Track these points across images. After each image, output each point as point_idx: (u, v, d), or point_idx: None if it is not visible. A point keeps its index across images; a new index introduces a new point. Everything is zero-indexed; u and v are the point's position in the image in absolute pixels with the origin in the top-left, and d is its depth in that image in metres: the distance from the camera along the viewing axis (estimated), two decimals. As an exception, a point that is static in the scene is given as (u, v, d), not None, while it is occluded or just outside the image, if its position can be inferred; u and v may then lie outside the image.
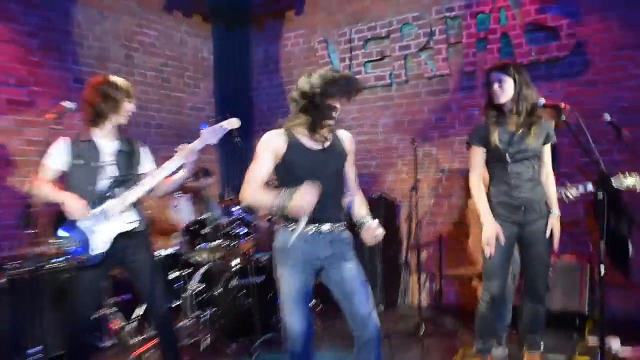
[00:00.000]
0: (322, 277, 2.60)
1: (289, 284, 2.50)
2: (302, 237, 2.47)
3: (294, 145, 2.50)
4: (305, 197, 2.32)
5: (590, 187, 3.58)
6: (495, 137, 3.00)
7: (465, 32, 5.18)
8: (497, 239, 2.99)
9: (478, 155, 3.11)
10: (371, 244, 2.55)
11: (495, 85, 2.99)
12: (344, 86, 2.45)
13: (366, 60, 5.79)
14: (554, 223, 3.13)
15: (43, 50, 4.88)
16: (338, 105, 2.51)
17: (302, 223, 2.45)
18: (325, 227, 2.50)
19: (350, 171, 2.70)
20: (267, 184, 2.55)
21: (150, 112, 5.95)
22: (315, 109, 2.47)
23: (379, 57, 5.72)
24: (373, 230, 2.52)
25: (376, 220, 2.55)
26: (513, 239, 3.08)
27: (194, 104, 6.50)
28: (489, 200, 3.07)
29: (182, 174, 3.25)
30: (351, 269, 2.55)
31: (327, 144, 2.55)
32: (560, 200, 4.52)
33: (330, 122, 2.52)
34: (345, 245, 2.58)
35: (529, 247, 3.11)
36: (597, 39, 4.61)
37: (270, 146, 2.51)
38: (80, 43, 5.22)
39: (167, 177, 3.20)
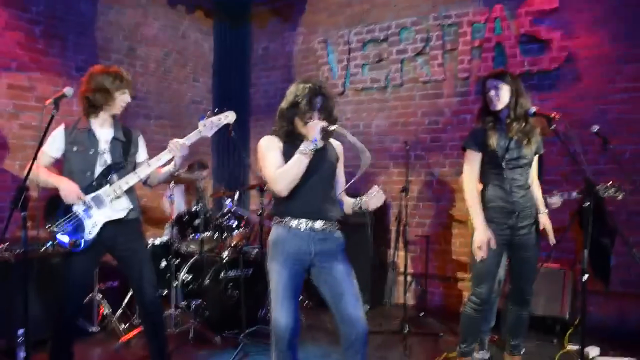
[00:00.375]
0: (313, 276, 2.65)
1: (279, 277, 2.55)
2: (295, 232, 2.56)
3: (288, 150, 2.57)
4: (313, 128, 2.48)
5: (574, 195, 3.65)
6: (494, 142, 3.05)
7: (461, 40, 5.28)
8: (489, 244, 3.03)
9: (475, 160, 3.14)
10: (376, 207, 2.60)
11: (492, 92, 3.06)
12: (310, 100, 2.56)
13: (364, 62, 5.87)
14: (545, 220, 3.22)
15: (46, 38, 4.96)
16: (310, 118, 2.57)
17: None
18: (318, 224, 2.57)
19: (341, 176, 2.82)
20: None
21: (150, 103, 6.03)
22: (284, 120, 2.65)
23: (376, 60, 5.80)
24: (376, 194, 2.58)
25: (375, 186, 2.61)
26: (504, 244, 3.13)
27: (193, 97, 6.59)
28: (483, 205, 3.11)
29: (170, 167, 3.29)
30: (341, 270, 2.60)
31: (320, 146, 2.56)
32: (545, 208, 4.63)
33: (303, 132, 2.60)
34: (337, 245, 2.65)
35: (520, 251, 3.16)
36: (588, 53, 4.69)
37: (272, 145, 2.63)
38: (84, 32, 5.30)
39: (159, 167, 3.27)
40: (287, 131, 2.62)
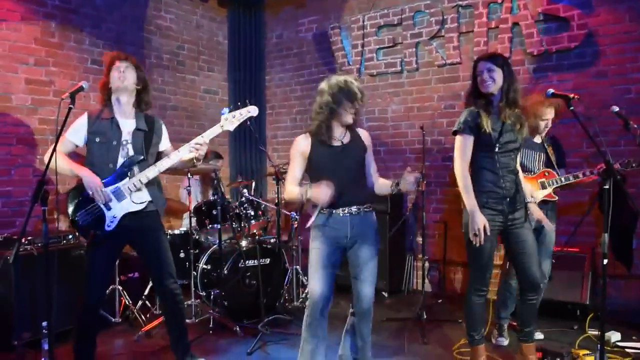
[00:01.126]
0: (348, 254, 3.01)
1: (317, 253, 2.91)
2: (334, 219, 2.90)
3: (316, 145, 2.93)
4: (320, 192, 2.73)
5: (595, 172, 3.61)
6: (488, 125, 2.99)
7: (477, 21, 5.18)
8: (485, 229, 2.98)
9: (467, 143, 3.06)
10: (413, 189, 2.83)
11: (485, 75, 3.00)
12: (346, 95, 2.83)
13: (378, 47, 5.81)
14: (534, 208, 3.20)
15: (61, 32, 5.00)
16: (346, 113, 2.87)
17: (317, 210, 2.91)
18: (353, 209, 2.90)
19: (371, 165, 3.08)
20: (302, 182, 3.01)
21: (166, 94, 6.07)
22: (322, 115, 2.89)
23: (390, 44, 5.74)
24: (409, 178, 2.77)
25: (408, 168, 2.84)
26: (498, 229, 3.09)
27: (208, 87, 6.60)
28: (476, 190, 3.04)
29: (193, 158, 3.28)
30: (366, 252, 2.96)
31: (347, 140, 2.96)
32: (566, 192, 4.57)
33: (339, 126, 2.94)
34: (371, 227, 2.99)
35: (515, 238, 3.10)
36: (608, 30, 4.58)
37: (298, 150, 2.97)
38: (98, 25, 5.33)
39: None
40: (321, 128, 2.89)
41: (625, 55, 4.52)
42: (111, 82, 3.20)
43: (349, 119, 2.90)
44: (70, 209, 3.11)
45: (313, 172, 2.98)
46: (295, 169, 2.99)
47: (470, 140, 3.05)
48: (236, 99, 6.56)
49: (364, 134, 3.07)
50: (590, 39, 4.65)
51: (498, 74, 2.99)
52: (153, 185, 3.29)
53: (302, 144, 2.96)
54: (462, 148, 3.07)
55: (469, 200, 3.00)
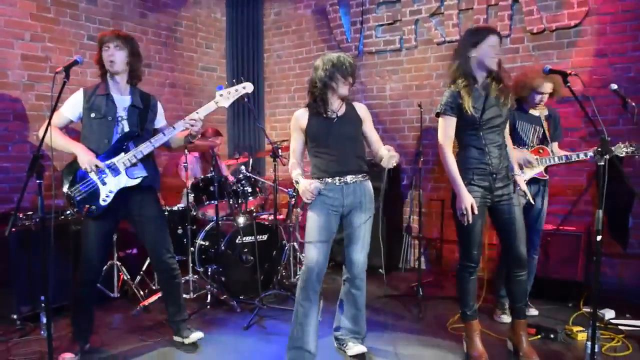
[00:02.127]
0: (343, 219, 3.12)
1: (314, 220, 3.03)
2: (330, 187, 3.03)
3: (312, 118, 3.07)
4: (304, 190, 2.95)
5: (590, 154, 3.60)
6: (470, 104, 2.97)
7: (476, -2, 5.14)
8: (472, 207, 2.98)
9: (451, 124, 3.05)
10: (389, 166, 2.92)
11: None
12: (340, 69, 2.97)
13: (377, 24, 5.76)
14: (520, 181, 3.20)
15: (57, 7, 4.95)
16: (341, 86, 3.02)
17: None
18: (349, 178, 3.03)
19: (371, 134, 3.20)
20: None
21: (164, 71, 6.02)
22: (317, 89, 3.03)
23: (389, 22, 5.69)
24: (387, 155, 2.90)
25: (389, 146, 2.99)
26: (485, 205, 3.09)
27: (206, 64, 6.56)
28: (461, 167, 3.04)
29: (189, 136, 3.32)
30: (360, 219, 3.09)
31: (342, 112, 3.08)
32: (563, 170, 4.58)
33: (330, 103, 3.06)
34: (367, 195, 3.11)
35: (502, 214, 3.10)
36: (608, 8, 4.53)
37: (295, 124, 3.12)
38: (94, 1, 5.27)
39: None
40: (316, 102, 3.04)
41: (626, 33, 4.48)
42: (105, 62, 3.20)
43: (344, 91, 3.04)
44: (66, 184, 3.12)
45: (310, 143, 3.11)
46: (294, 143, 3.15)
47: (452, 121, 3.05)
48: (234, 76, 6.52)
49: (359, 107, 3.19)
50: (591, 16, 4.61)
51: None
52: (149, 161, 3.30)
53: (300, 118, 3.11)
54: (445, 129, 3.07)
55: (455, 180, 3.01)
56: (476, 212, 2.98)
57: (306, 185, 2.95)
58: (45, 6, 4.86)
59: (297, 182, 3.04)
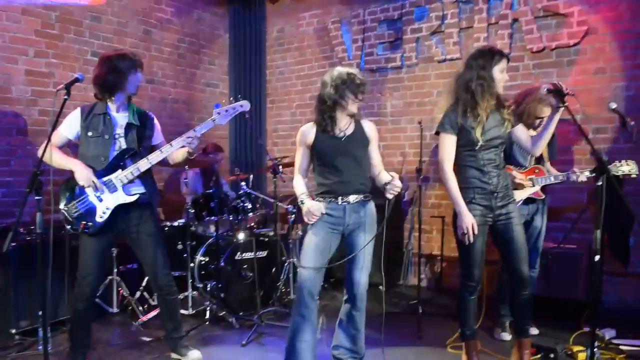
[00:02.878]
0: (344, 239, 3.11)
1: (312, 237, 3.02)
2: (333, 206, 3.01)
3: (320, 135, 3.03)
4: (307, 212, 2.95)
5: (587, 174, 3.60)
6: (469, 124, 3.00)
7: (477, 17, 5.18)
8: (473, 227, 2.98)
9: (451, 143, 3.06)
10: (391, 196, 2.87)
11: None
12: (350, 86, 2.92)
13: (379, 41, 5.81)
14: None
15: (62, 23, 5.01)
16: (350, 103, 2.96)
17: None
18: (352, 198, 3.00)
19: (374, 155, 3.16)
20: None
21: (166, 87, 6.07)
22: (326, 106, 2.99)
23: (391, 39, 5.74)
24: (392, 184, 2.85)
25: (393, 173, 2.89)
26: (487, 224, 3.09)
27: (209, 80, 6.61)
28: (462, 186, 3.05)
29: (186, 153, 3.33)
30: (361, 240, 3.05)
31: (350, 131, 3.03)
32: (564, 188, 4.57)
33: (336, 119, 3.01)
34: (369, 215, 3.08)
35: (503, 234, 3.10)
36: (608, 28, 4.56)
37: (302, 139, 3.09)
38: (98, 17, 5.34)
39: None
40: (325, 119, 3.00)
41: (625, 52, 4.51)
42: (128, 86, 3.21)
43: (353, 108, 2.98)
44: (63, 201, 3.14)
45: (316, 161, 3.09)
46: (300, 158, 3.14)
47: (452, 139, 3.06)
48: (236, 92, 6.53)
49: (368, 126, 3.13)
50: (590, 35, 4.64)
51: None
52: (147, 178, 3.31)
53: (307, 134, 3.07)
54: (445, 147, 3.07)
55: (456, 199, 3.02)
56: (477, 231, 2.98)
57: (310, 207, 2.93)
58: (50, 23, 4.92)
59: (302, 202, 3.01)
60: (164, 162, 3.38)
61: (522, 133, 3.15)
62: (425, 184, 5.46)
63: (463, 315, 3.23)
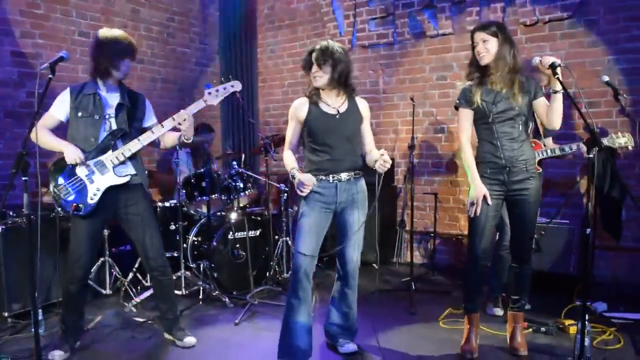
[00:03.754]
0: (336, 217, 3.08)
1: (306, 217, 2.98)
2: (324, 184, 2.96)
3: (313, 111, 2.98)
4: (299, 183, 2.86)
5: (582, 146, 3.59)
6: (478, 98, 3.00)
7: (469, -10, 5.11)
8: (485, 199, 3.00)
9: (466, 116, 3.11)
10: (382, 171, 2.81)
11: (480, 46, 2.97)
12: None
13: (370, 17, 5.73)
14: None
15: (47, 3, 4.92)
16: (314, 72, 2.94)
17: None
18: (344, 175, 2.97)
19: (367, 133, 3.14)
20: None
21: (156, 67, 6.00)
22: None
23: (382, 15, 5.66)
24: (382, 158, 2.80)
25: (383, 150, 2.85)
26: (499, 199, 3.10)
27: (199, 60, 6.53)
28: (476, 161, 3.08)
29: (181, 136, 3.30)
30: (354, 217, 3.04)
31: (344, 108, 2.99)
32: (557, 163, 4.55)
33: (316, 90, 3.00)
34: (360, 192, 3.06)
35: (515, 208, 3.11)
36: (601, 0, 4.51)
37: (294, 114, 3.04)
38: (85, -4, 5.24)
39: (169, 131, 3.27)
40: (312, 91, 3.00)
41: (619, 24, 4.46)
42: (119, 71, 3.16)
43: (318, 82, 2.95)
44: (53, 182, 3.11)
45: (308, 137, 3.04)
46: (291, 133, 3.09)
47: (467, 113, 3.10)
48: (228, 71, 6.50)
49: (362, 104, 3.10)
50: (583, 8, 4.59)
51: (492, 44, 2.96)
52: (137, 160, 3.28)
53: (299, 108, 3.02)
54: (462, 121, 3.14)
55: (469, 170, 3.07)
56: (489, 202, 3.00)
57: (302, 178, 2.86)
58: (35, 2, 4.83)
59: (293, 177, 2.94)
60: (155, 144, 3.35)
61: (540, 107, 3.07)
62: (418, 161, 5.43)
63: (465, 288, 3.28)
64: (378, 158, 2.83)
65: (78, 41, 5.12)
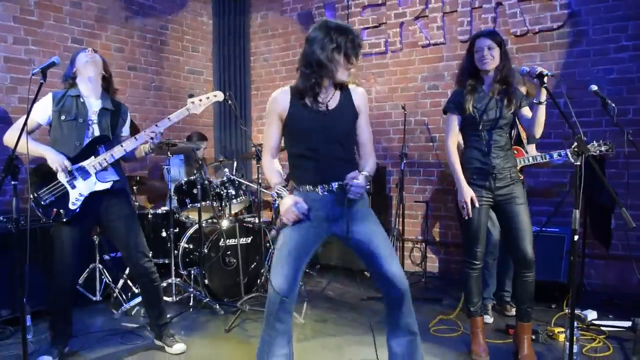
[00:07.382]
0: (342, 241, 2.46)
1: (286, 240, 2.38)
2: (313, 198, 2.37)
3: (296, 106, 2.36)
4: (286, 211, 2.32)
5: (564, 153, 3.64)
6: (470, 105, 3.03)
7: (460, 1, 5.16)
8: (472, 202, 3.04)
9: (454, 122, 3.14)
10: (353, 197, 2.29)
11: (486, 52, 2.99)
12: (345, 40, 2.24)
13: (362, 27, 5.77)
14: None
15: (41, 9, 4.93)
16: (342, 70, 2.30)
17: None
18: (335, 184, 2.36)
19: (363, 133, 2.48)
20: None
21: (150, 74, 6.00)
22: (311, 71, 2.30)
23: (375, 24, 5.70)
24: (354, 182, 2.27)
25: (355, 172, 2.30)
26: (488, 204, 3.12)
27: (192, 68, 6.54)
28: (462, 167, 3.11)
29: (147, 147, 3.33)
30: (370, 226, 2.41)
31: (334, 103, 2.38)
32: (547, 172, 4.59)
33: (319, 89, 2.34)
34: (359, 200, 2.36)
35: (504, 214, 3.12)
36: (591, 11, 4.57)
37: (273, 108, 2.39)
38: (79, 3, 5.25)
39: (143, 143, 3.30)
40: (307, 87, 2.33)
41: (609, 35, 4.51)
42: (80, 63, 3.19)
43: (342, 76, 2.32)
44: (33, 187, 3.08)
45: (288, 138, 2.46)
46: (271, 136, 2.44)
47: (455, 118, 3.14)
48: (221, 79, 6.53)
49: (357, 93, 2.44)
50: (573, 19, 4.64)
51: (496, 52, 3.00)
52: (119, 164, 3.28)
53: (280, 102, 2.38)
54: (449, 126, 3.17)
55: (455, 174, 3.10)
56: (477, 205, 3.04)
57: (289, 206, 2.31)
58: (29, 9, 4.84)
59: (279, 196, 2.37)
60: (129, 156, 3.33)
61: (523, 116, 3.13)
62: (410, 169, 5.45)
63: (466, 292, 3.30)
64: (351, 177, 2.27)
65: (71, 48, 5.10)
